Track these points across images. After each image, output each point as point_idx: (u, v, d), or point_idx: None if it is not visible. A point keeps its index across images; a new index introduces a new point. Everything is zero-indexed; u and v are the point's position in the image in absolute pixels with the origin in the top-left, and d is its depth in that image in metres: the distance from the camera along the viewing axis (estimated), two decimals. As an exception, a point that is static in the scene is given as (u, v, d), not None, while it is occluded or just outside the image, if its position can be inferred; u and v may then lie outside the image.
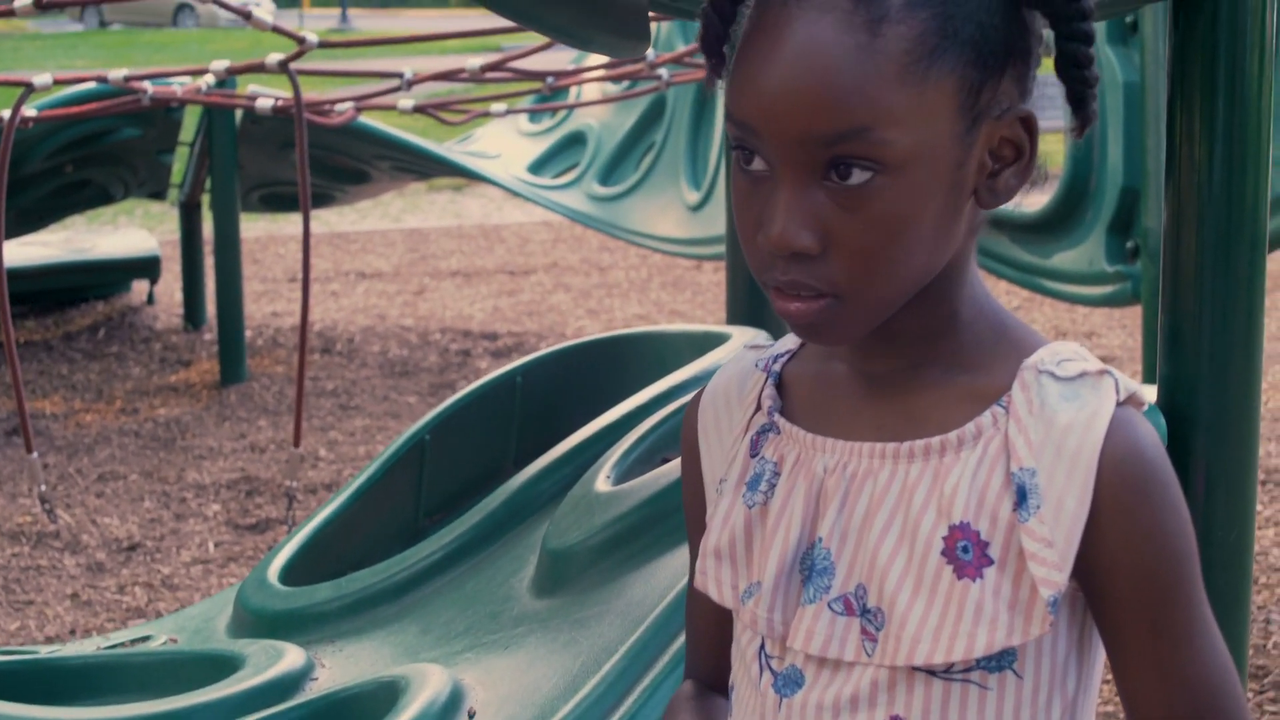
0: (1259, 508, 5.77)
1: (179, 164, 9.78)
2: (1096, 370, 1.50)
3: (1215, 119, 2.42)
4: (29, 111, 6.35)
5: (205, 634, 3.38)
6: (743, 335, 3.31)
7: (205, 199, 9.24)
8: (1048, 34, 1.52)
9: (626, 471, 2.71)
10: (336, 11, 46.98)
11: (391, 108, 7.27)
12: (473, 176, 9.63)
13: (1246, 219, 2.44)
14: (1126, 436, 1.47)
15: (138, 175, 9.60)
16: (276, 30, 5.62)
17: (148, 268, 10.19)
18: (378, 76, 7.25)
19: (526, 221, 14.01)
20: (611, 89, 9.39)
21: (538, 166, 9.88)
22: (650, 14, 2.55)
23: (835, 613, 1.54)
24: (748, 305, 4.04)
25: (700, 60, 6.58)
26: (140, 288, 10.58)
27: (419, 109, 7.30)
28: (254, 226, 13.05)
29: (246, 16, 5.35)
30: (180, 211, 9.80)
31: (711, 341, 3.40)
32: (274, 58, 5.91)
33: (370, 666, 2.95)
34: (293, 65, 5.87)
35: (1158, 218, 5.58)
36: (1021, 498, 1.46)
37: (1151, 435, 1.50)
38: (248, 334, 9.00)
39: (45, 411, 7.95)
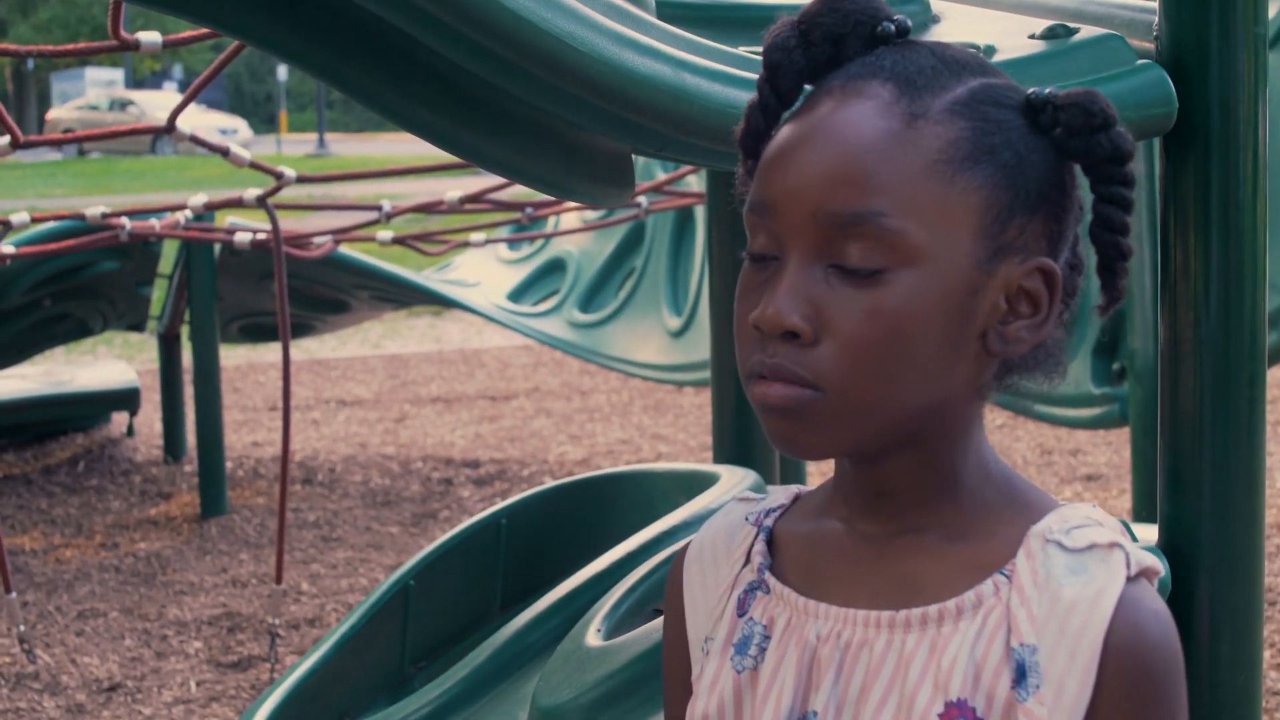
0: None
1: (158, 295, 9.75)
2: (1107, 543, 1.44)
3: (1210, 255, 2.38)
4: (6, 249, 6.32)
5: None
6: (732, 476, 3.27)
7: (184, 330, 9.21)
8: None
9: (617, 624, 2.66)
10: (314, 136, 47.30)
11: (370, 240, 7.26)
12: (453, 306, 9.62)
13: (1244, 357, 2.40)
14: (1133, 617, 1.42)
15: (116, 308, 9.57)
16: (254, 166, 5.60)
17: (127, 400, 10.15)
18: (356, 209, 7.24)
19: (507, 345, 14.01)
20: (590, 216, 9.39)
21: (518, 294, 9.87)
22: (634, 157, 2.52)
23: (829, 786, 1.48)
24: (735, 439, 3.98)
25: (678, 188, 6.57)
26: (120, 419, 10.53)
27: (398, 240, 7.29)
28: (234, 355, 13.03)
29: (224, 154, 5.33)
30: (160, 343, 9.77)
31: (700, 482, 3.36)
32: (251, 193, 5.90)
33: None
34: (270, 200, 5.85)
35: (1144, 339, 5.56)
36: (1021, 675, 1.41)
37: (1160, 616, 1.44)
38: (228, 465, 8.94)
39: (24, 547, 7.86)
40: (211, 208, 6.31)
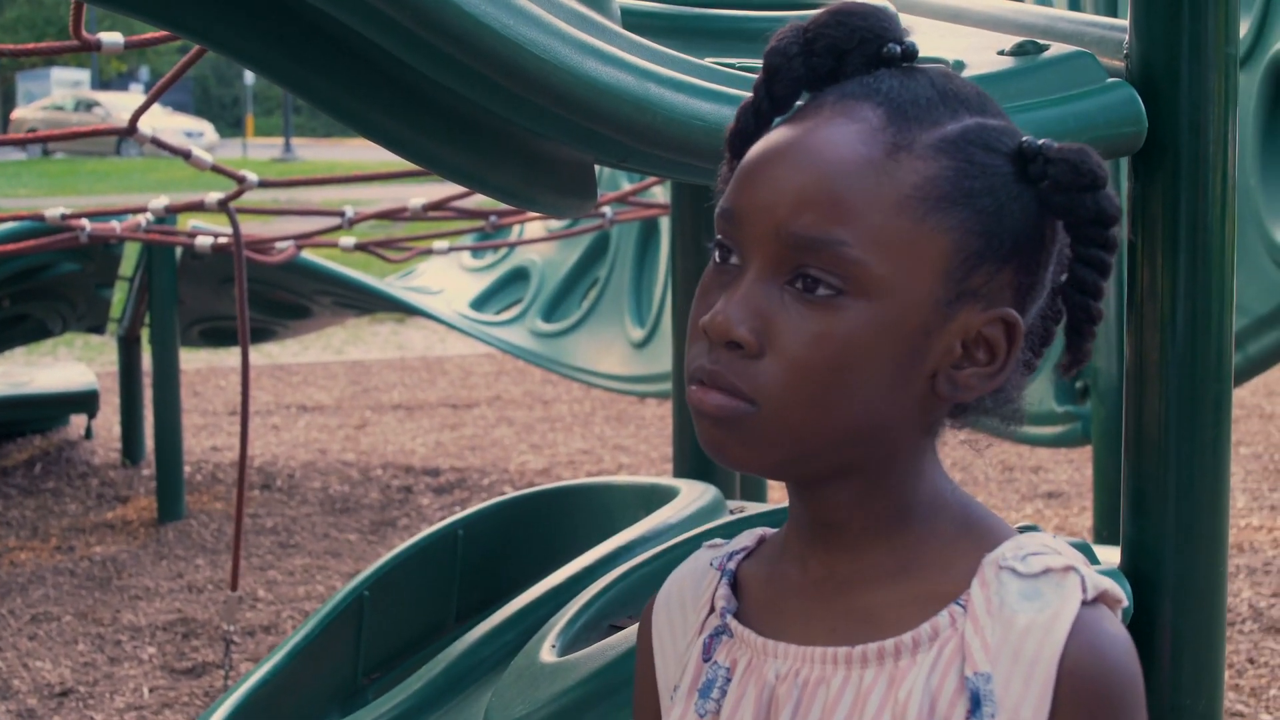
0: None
1: (119, 297, 9.70)
2: (1061, 566, 1.42)
3: (1178, 277, 2.36)
4: (-36, 249, 6.28)
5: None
6: (692, 490, 3.24)
7: (145, 333, 9.17)
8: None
9: (572, 640, 2.63)
10: (280, 141, 47.23)
11: (333, 245, 7.23)
12: (416, 313, 9.60)
13: (1210, 379, 2.38)
14: (1089, 641, 1.39)
15: (76, 310, 9.52)
16: (216, 170, 5.57)
17: (86, 402, 10.10)
18: (319, 215, 7.21)
19: (469, 354, 14.00)
20: (555, 225, 9.37)
21: (480, 302, 9.84)
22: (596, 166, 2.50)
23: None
24: (696, 452, 3.95)
25: (643, 199, 6.53)
26: (78, 422, 10.47)
27: (361, 247, 7.26)
28: (195, 358, 12.98)
29: (186, 156, 5.30)
30: (119, 345, 9.73)
31: (659, 496, 3.33)
32: (213, 196, 5.87)
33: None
34: (233, 204, 5.82)
35: (1107, 357, 5.55)
36: (975, 705, 1.38)
37: (1118, 640, 1.42)
38: (186, 469, 8.89)
39: (-22, 551, 7.82)
40: (173, 211, 6.28)
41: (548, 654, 2.60)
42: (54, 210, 6.47)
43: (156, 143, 5.17)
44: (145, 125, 5.03)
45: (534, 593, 2.97)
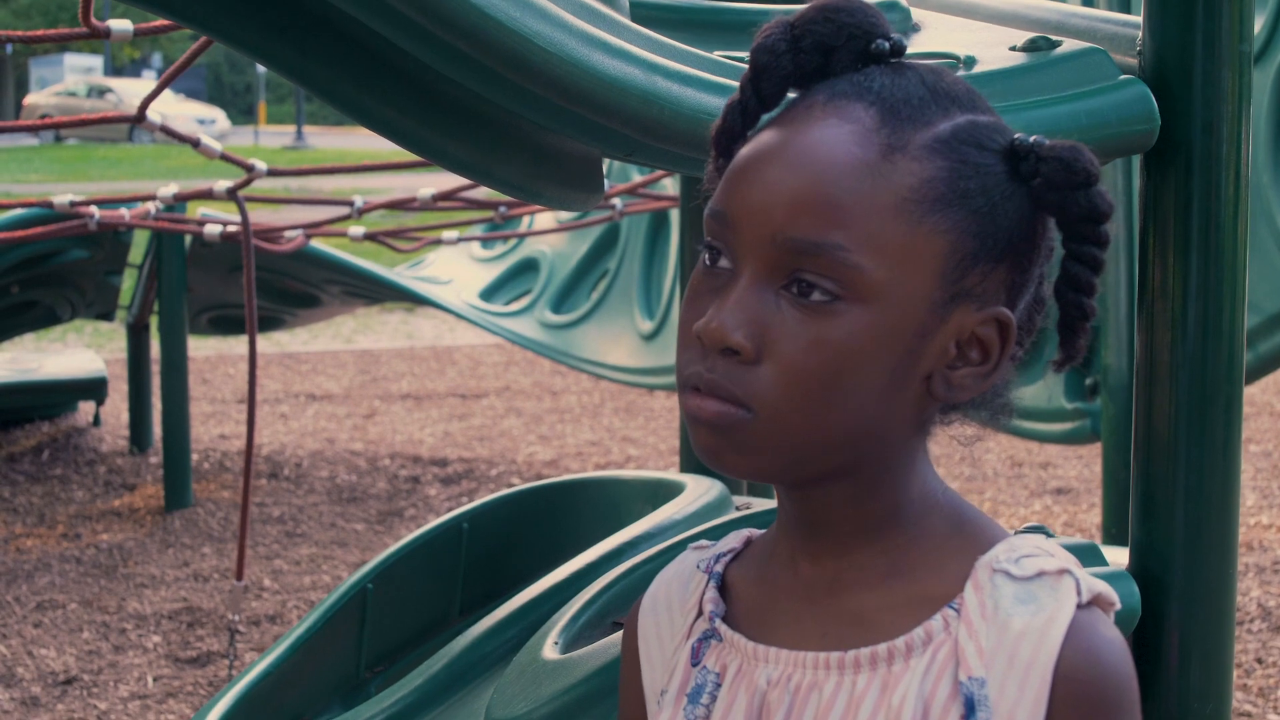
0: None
1: (128, 284, 9.69)
2: (1056, 569, 1.41)
3: (1189, 276, 2.34)
4: (-27, 235, 6.28)
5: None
6: (698, 486, 3.22)
7: (154, 320, 9.16)
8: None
9: (575, 637, 2.62)
10: (292, 128, 47.27)
11: (342, 235, 7.22)
12: (424, 303, 9.58)
13: (1221, 380, 2.36)
14: (1084, 646, 1.38)
15: (85, 296, 9.51)
16: (225, 158, 5.56)
17: (94, 389, 10.08)
18: (329, 204, 7.20)
19: (479, 344, 13.98)
20: (564, 216, 9.35)
21: (490, 293, 9.82)
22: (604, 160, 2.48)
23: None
24: (702, 447, 3.94)
25: (653, 192, 6.53)
26: (86, 409, 10.46)
27: (370, 236, 7.25)
28: (204, 346, 12.97)
29: (195, 144, 5.28)
30: (128, 333, 9.72)
31: (666, 491, 3.31)
32: (222, 185, 5.86)
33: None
34: (242, 192, 5.81)
35: (1117, 354, 5.52)
36: (970, 709, 1.37)
37: (1113, 643, 1.41)
38: (194, 457, 8.88)
39: (-15, 537, 7.81)
40: (182, 199, 6.27)
41: (550, 651, 2.59)
42: (62, 198, 6.46)
43: (165, 130, 5.16)
44: (157, 112, 5.02)
45: (537, 589, 2.96)
